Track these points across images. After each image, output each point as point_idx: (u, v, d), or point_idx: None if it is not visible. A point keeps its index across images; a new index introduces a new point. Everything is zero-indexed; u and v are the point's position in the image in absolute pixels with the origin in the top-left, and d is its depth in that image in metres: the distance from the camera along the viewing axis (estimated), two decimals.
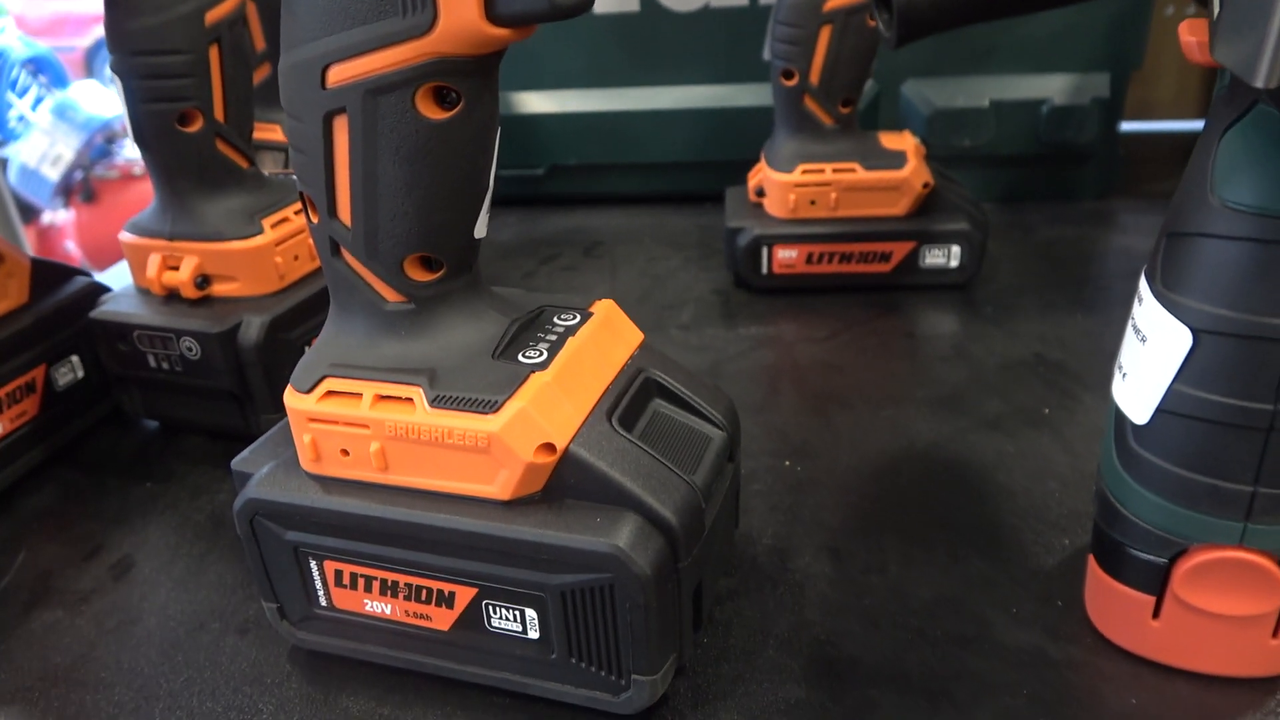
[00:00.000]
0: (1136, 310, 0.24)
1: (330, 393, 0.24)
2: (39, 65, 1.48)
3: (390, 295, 0.24)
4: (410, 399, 0.23)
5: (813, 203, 0.47)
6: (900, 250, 0.47)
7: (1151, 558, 0.24)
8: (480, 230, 0.24)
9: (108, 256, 1.26)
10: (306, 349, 0.32)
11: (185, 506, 0.35)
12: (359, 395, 0.24)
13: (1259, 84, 0.15)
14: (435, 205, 0.23)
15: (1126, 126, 0.60)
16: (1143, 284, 0.23)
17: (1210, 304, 0.21)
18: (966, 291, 0.48)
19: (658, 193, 0.64)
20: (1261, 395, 0.21)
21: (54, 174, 1.34)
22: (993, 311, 0.46)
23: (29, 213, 1.38)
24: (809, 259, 0.48)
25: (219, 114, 0.35)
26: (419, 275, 0.24)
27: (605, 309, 0.26)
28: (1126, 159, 0.60)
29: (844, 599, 0.28)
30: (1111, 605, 0.26)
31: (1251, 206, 0.21)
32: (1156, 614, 0.25)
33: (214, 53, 0.34)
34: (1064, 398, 0.38)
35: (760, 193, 0.50)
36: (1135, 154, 0.63)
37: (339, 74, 0.21)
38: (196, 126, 0.35)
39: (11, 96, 1.44)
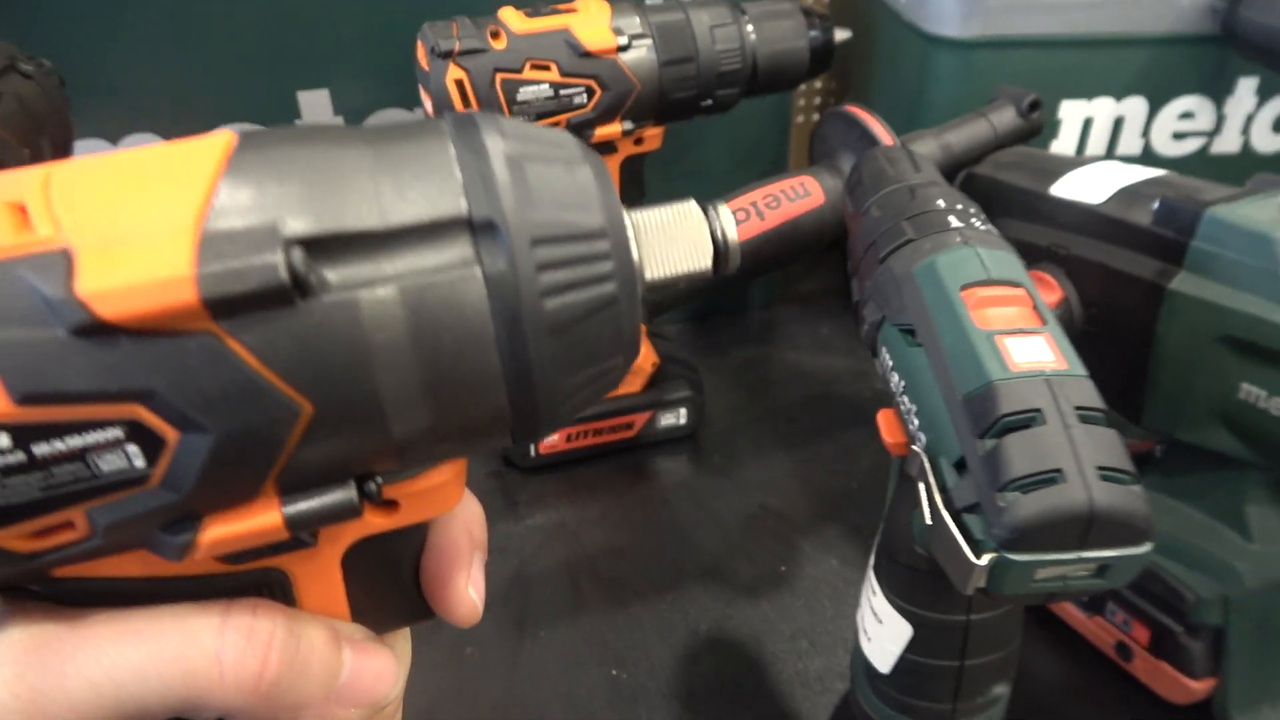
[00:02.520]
0: (872, 599, 0.35)
1: None
2: None
3: None
4: None
5: None
6: (640, 419, 0.57)
7: None
8: None
9: None
10: None
11: None
12: None
13: (966, 592, 0.26)
14: None
15: None
16: (873, 579, 0.35)
17: (920, 609, 0.33)
18: (694, 441, 0.59)
19: None
20: (952, 654, 0.34)
21: None
22: (720, 461, 0.57)
23: None
24: (568, 438, 0.56)
25: None
26: None
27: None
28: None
29: None
30: None
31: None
32: None
33: None
34: (792, 551, 0.51)
35: None
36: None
37: None
38: None
39: None
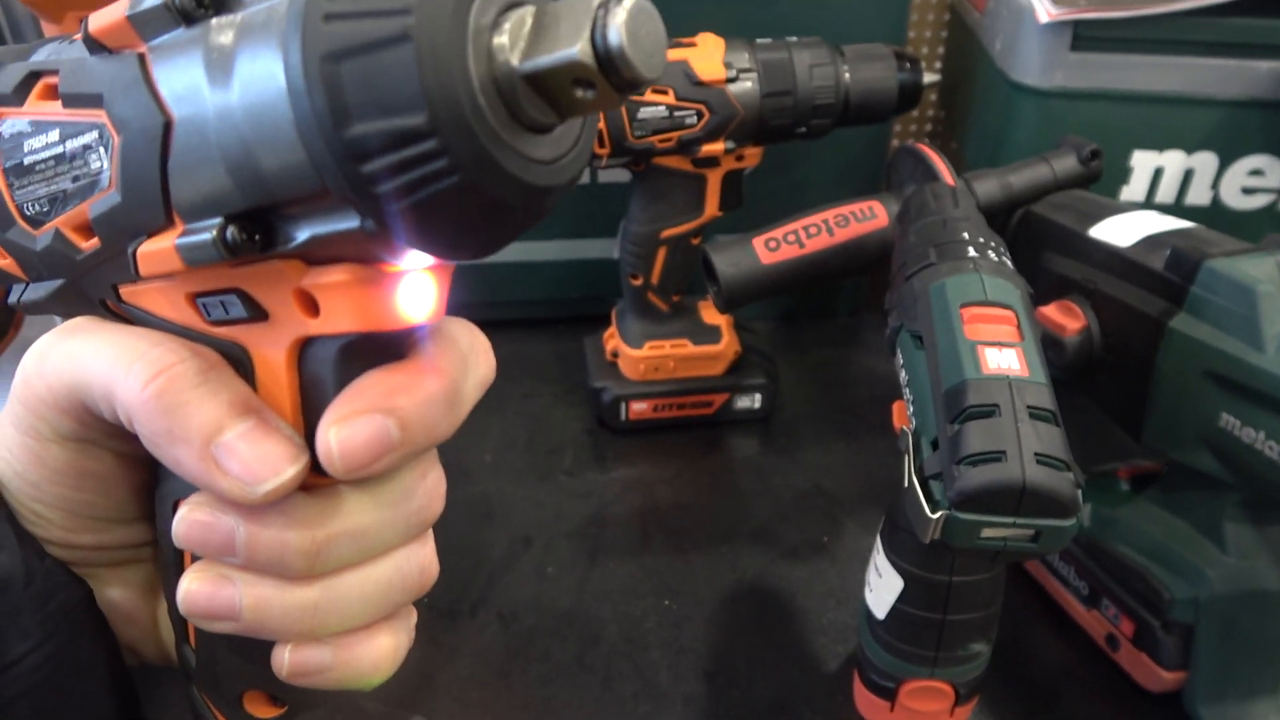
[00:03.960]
0: (876, 556, 0.42)
1: None
2: None
3: None
4: None
5: (656, 369, 0.64)
6: (719, 399, 0.65)
7: (888, 684, 0.43)
8: None
9: None
10: None
11: None
12: None
13: (925, 540, 0.33)
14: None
15: None
16: (879, 541, 0.42)
17: (910, 565, 0.40)
18: (766, 424, 0.67)
19: (514, 319, 0.77)
20: (935, 608, 0.41)
21: None
22: (784, 443, 0.65)
23: None
24: (655, 408, 0.65)
25: None
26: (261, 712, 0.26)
27: None
28: (868, 279, 0.80)
29: (715, 708, 0.46)
30: (868, 704, 0.45)
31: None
32: (892, 709, 0.44)
33: None
34: (836, 526, 0.58)
35: (615, 354, 0.66)
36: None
37: None
38: None
39: None
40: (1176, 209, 0.62)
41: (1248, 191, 0.60)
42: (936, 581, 0.40)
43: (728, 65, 0.55)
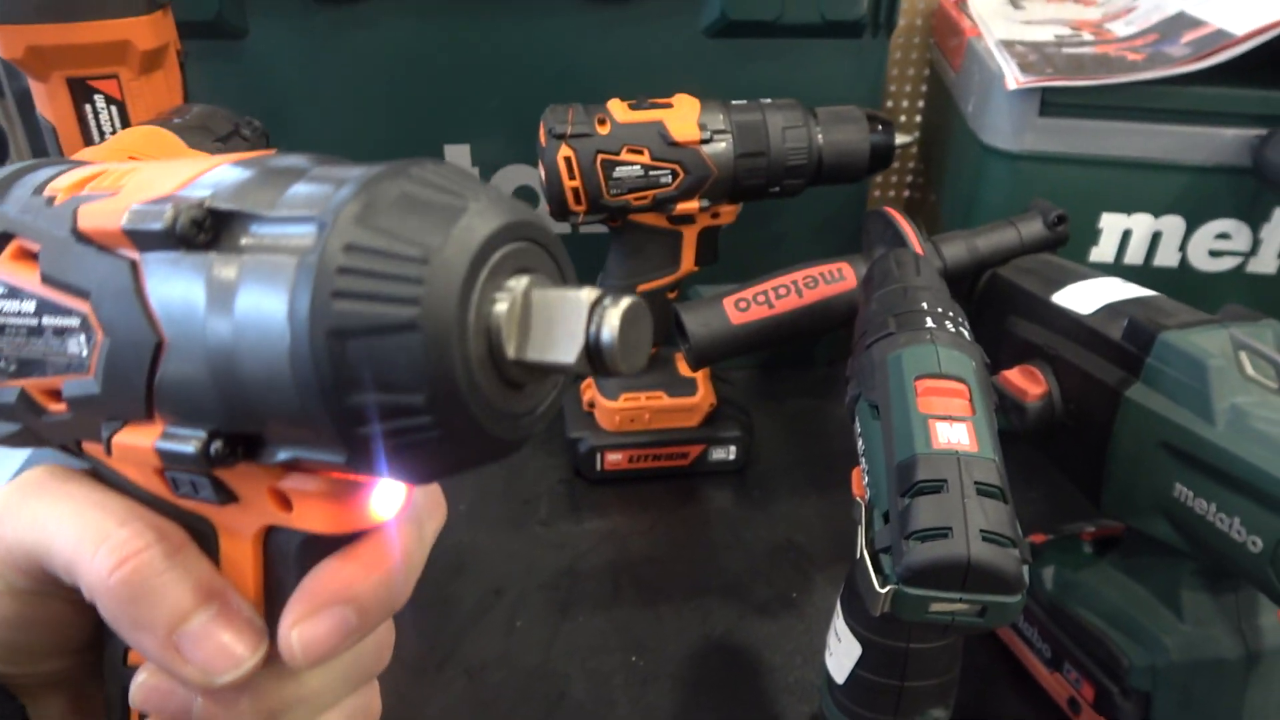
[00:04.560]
0: (836, 620, 0.43)
1: None
2: None
3: None
4: None
5: (632, 420, 0.65)
6: (694, 450, 0.66)
7: None
8: None
9: None
10: None
11: None
12: None
13: (875, 614, 0.34)
14: None
15: None
16: (839, 606, 0.42)
17: (869, 633, 0.41)
18: (741, 475, 0.67)
19: None
20: (893, 675, 0.41)
21: None
22: (759, 495, 0.65)
23: None
24: (630, 459, 0.65)
25: None
26: None
27: None
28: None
29: None
30: None
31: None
32: None
33: None
34: (806, 582, 0.58)
35: (592, 404, 0.66)
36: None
37: None
38: None
39: None
40: (1145, 270, 0.63)
41: (1215, 254, 0.61)
42: (894, 648, 0.40)
43: (702, 126, 0.56)
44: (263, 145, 0.49)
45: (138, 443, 0.20)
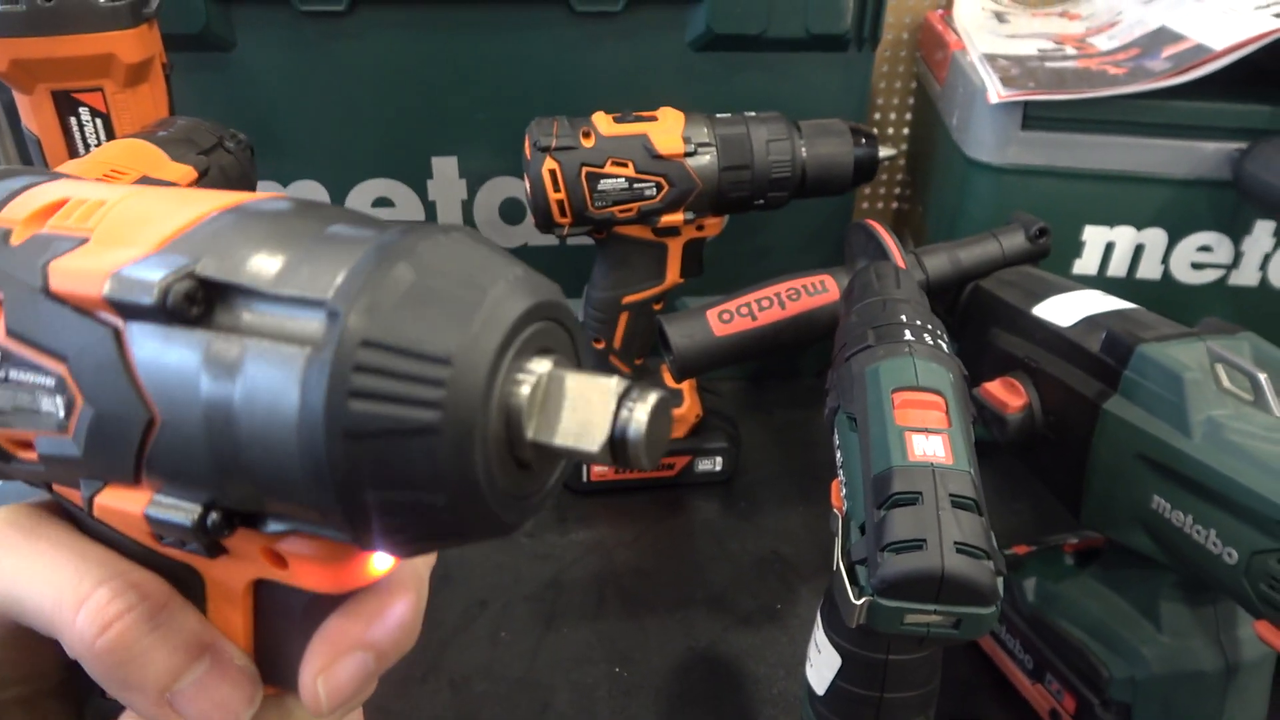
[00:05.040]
0: (816, 632, 0.43)
1: None
2: None
3: None
4: None
5: None
6: (680, 462, 0.66)
7: None
8: None
9: None
10: None
11: None
12: None
13: (850, 625, 0.34)
14: None
15: None
16: (819, 618, 0.42)
17: (848, 644, 0.41)
18: (727, 486, 0.67)
19: None
20: (872, 686, 0.41)
21: None
22: (745, 506, 0.65)
23: None
24: (617, 470, 0.65)
25: None
26: None
27: None
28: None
29: None
30: None
31: None
32: None
33: None
34: (791, 593, 0.58)
35: None
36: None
37: None
38: None
39: None
40: (1129, 283, 0.63)
41: (1197, 267, 0.62)
42: (874, 660, 0.40)
43: (687, 139, 0.56)
44: (247, 158, 0.50)
45: (124, 508, 0.19)
